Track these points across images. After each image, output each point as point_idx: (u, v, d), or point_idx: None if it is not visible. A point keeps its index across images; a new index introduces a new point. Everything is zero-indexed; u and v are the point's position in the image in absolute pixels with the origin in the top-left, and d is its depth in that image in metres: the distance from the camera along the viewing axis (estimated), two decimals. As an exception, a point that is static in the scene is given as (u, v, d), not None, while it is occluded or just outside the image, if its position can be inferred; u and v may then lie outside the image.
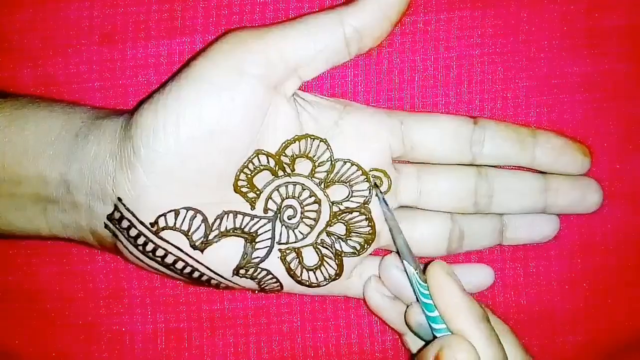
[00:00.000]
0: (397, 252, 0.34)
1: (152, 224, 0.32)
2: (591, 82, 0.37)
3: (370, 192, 0.34)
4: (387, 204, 0.34)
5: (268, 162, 0.32)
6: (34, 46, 0.37)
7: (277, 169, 0.33)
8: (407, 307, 0.34)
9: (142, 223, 0.32)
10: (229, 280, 0.34)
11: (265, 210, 0.33)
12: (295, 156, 0.33)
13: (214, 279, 0.34)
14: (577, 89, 0.37)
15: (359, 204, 0.34)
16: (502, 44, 0.37)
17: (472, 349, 0.29)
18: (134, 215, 0.32)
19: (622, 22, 0.37)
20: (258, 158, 0.32)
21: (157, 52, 0.37)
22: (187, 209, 0.32)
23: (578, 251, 0.38)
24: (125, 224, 0.32)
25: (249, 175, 0.32)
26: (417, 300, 0.32)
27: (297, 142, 0.33)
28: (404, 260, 0.33)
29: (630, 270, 0.38)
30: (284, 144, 0.32)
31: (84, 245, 0.35)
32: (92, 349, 0.38)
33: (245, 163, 0.32)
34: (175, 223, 0.32)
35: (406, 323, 0.34)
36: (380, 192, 0.34)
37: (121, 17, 0.37)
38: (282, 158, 0.33)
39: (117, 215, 0.32)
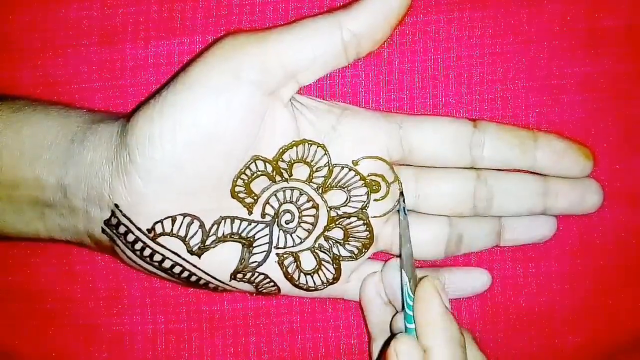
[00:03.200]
0: (399, 256, 0.34)
1: (149, 230, 0.32)
2: (591, 82, 0.37)
3: (368, 197, 0.34)
4: (405, 213, 0.33)
5: (265, 167, 0.32)
6: (33, 46, 0.37)
7: (274, 174, 0.33)
8: (396, 313, 0.34)
9: (139, 229, 0.32)
10: (227, 284, 0.34)
11: (263, 215, 0.33)
12: (292, 161, 0.33)
13: (211, 282, 0.34)
14: (577, 89, 0.37)
15: (356, 209, 0.34)
16: (502, 44, 0.37)
17: (415, 348, 0.29)
18: (130, 221, 0.31)
19: (622, 23, 0.37)
20: (255, 164, 0.32)
21: (156, 52, 0.37)
22: (184, 215, 0.32)
23: (578, 251, 0.38)
24: (122, 229, 0.32)
25: (246, 181, 0.32)
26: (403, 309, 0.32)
27: (294, 147, 0.33)
28: (402, 269, 0.33)
29: (630, 270, 0.38)
30: (281, 150, 0.32)
31: (83, 247, 0.35)
32: (92, 349, 0.38)
33: (242, 169, 0.32)
34: (172, 229, 0.32)
35: (390, 329, 0.34)
36: (404, 199, 0.34)
37: (121, 17, 0.37)
38: (280, 163, 0.33)
39: (114, 221, 0.32)
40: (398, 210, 0.34)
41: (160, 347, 0.38)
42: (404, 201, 0.34)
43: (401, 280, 0.33)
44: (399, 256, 0.34)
